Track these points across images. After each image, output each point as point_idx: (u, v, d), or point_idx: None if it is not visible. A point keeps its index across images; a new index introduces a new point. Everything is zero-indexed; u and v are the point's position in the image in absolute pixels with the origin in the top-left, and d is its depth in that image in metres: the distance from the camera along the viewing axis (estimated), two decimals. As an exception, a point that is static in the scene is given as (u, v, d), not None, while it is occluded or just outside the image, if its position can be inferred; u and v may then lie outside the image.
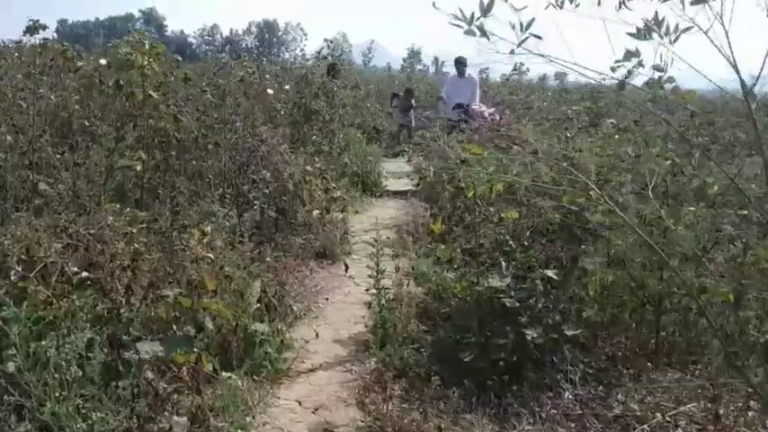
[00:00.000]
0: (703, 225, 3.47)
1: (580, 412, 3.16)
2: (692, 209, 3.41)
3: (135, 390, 2.68)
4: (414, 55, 33.08)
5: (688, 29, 2.53)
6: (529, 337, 3.36)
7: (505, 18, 2.32)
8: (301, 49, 35.35)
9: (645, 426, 3.03)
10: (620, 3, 2.12)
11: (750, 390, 3.07)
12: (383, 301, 4.05)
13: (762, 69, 2.32)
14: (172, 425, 2.74)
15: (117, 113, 5.44)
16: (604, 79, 2.44)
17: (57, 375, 2.41)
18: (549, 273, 3.58)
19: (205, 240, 3.49)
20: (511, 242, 3.80)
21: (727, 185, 3.66)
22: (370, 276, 4.24)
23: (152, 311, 3.05)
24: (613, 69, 2.76)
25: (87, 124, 5.34)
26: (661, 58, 2.68)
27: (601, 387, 3.38)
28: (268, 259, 4.63)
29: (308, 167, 6.18)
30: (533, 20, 2.13)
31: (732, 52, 2.34)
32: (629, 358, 3.71)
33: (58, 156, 5.27)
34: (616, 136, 5.06)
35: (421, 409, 3.14)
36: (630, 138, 4.24)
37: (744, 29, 2.70)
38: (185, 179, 5.88)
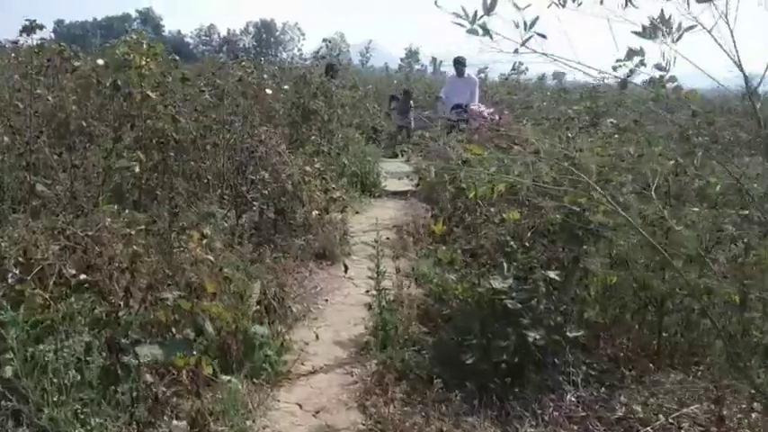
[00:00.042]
0: (705, 225, 3.45)
1: (583, 414, 3.14)
2: (696, 209, 3.38)
3: (134, 394, 2.65)
4: (411, 55, 33.02)
5: (691, 27, 2.52)
6: (531, 339, 3.33)
7: (508, 17, 2.30)
8: (299, 49, 35.33)
9: (648, 428, 3.01)
10: (626, 1, 2.09)
11: (753, 391, 3.05)
12: (384, 303, 4.02)
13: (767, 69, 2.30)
14: (171, 429, 2.71)
15: (115, 114, 5.41)
16: (608, 78, 2.41)
17: (55, 380, 2.38)
18: (551, 274, 3.55)
19: (204, 242, 3.46)
20: (512, 243, 3.77)
21: (729, 185, 3.64)
22: (369, 278, 4.21)
23: (151, 314, 3.02)
24: (615, 68, 2.74)
25: (85, 125, 5.29)
26: (663, 56, 2.66)
27: (603, 389, 3.35)
28: (267, 260, 4.61)
29: (307, 168, 6.16)
30: (537, 18, 2.11)
31: (737, 52, 2.33)
32: (632, 359, 3.68)
33: (56, 157, 5.23)
34: (615, 135, 5.05)
35: (423, 413, 3.11)
36: (632, 137, 4.22)
37: (745, 27, 2.68)
38: (183, 180, 5.85)
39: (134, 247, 3.14)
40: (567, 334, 3.45)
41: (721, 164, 2.99)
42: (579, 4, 2.54)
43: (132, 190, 5.42)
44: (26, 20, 4.92)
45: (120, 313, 2.90)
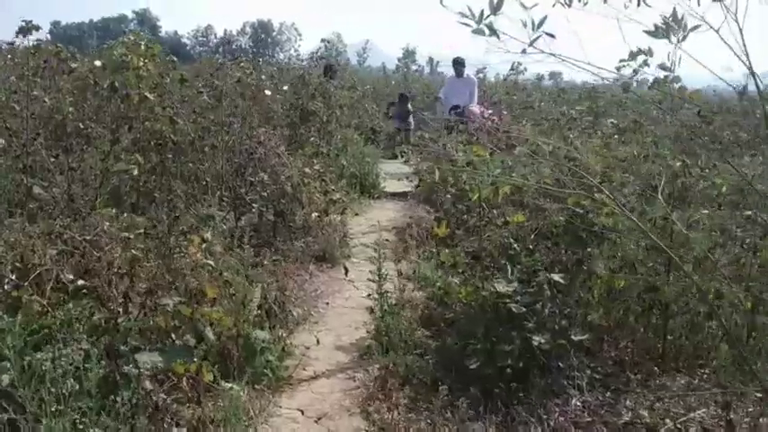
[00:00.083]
0: (712, 226, 3.41)
1: (589, 420, 3.09)
2: (706, 211, 3.34)
3: (134, 401, 2.60)
4: (409, 55, 33.00)
5: (696, 27, 2.48)
6: (535, 343, 3.29)
7: (515, 17, 2.26)
8: (296, 50, 35.29)
9: (656, 433, 2.97)
10: (638, 0, 2.06)
11: (760, 395, 3.01)
12: (386, 306, 3.98)
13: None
14: (172, 438, 2.66)
15: (112, 116, 5.35)
16: (618, 79, 2.37)
17: (53, 389, 2.33)
18: (556, 277, 3.51)
19: (204, 246, 3.41)
20: (515, 245, 3.73)
21: (734, 187, 3.61)
22: (370, 280, 4.16)
23: (151, 320, 2.97)
24: (618, 69, 2.71)
25: (82, 127, 5.23)
26: (669, 57, 2.63)
27: (609, 393, 3.31)
28: (266, 262, 4.55)
29: (307, 169, 6.11)
30: (545, 17, 2.07)
31: (747, 54, 2.29)
32: (636, 362, 3.65)
33: (53, 159, 5.18)
34: (615, 136, 5.02)
35: (429, 420, 3.07)
36: (637, 138, 4.18)
37: (747, 26, 2.65)
38: (182, 182, 5.79)
39: (133, 251, 3.09)
40: (572, 338, 3.40)
41: (732, 165, 2.95)
42: (585, 4, 2.50)
43: (130, 192, 5.37)
44: (22, 21, 4.87)
45: (119, 319, 2.85)
